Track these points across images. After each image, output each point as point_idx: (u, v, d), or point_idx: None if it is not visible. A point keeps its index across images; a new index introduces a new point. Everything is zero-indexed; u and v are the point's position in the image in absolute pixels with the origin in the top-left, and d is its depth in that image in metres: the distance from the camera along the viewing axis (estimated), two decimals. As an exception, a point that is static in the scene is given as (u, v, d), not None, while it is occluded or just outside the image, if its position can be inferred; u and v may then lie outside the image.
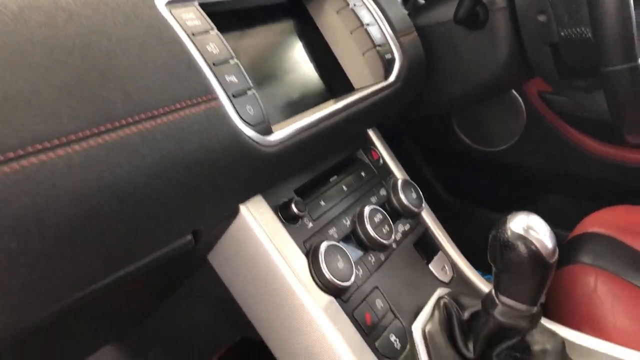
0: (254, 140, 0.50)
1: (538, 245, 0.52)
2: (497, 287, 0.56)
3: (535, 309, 0.56)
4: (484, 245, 0.78)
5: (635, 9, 0.71)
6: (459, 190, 1.57)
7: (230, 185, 0.49)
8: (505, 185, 1.50)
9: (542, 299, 0.58)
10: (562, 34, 0.78)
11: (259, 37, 0.65)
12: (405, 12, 0.83)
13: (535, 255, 0.52)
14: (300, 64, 0.70)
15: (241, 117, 0.49)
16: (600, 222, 1.07)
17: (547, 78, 0.89)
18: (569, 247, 1.03)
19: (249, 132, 0.49)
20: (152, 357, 0.76)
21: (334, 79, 0.72)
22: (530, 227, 0.53)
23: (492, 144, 1.43)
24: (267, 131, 0.52)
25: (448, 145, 1.50)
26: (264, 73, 0.64)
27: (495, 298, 0.56)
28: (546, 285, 0.55)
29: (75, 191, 0.35)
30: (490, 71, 0.88)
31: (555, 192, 1.47)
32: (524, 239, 0.52)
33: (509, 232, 0.53)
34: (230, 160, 0.48)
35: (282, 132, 0.54)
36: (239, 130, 0.48)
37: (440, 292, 0.67)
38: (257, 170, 0.51)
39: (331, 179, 0.69)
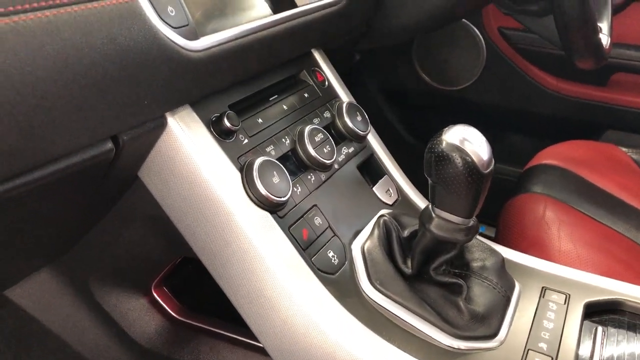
0: (175, 43, 0.47)
1: (473, 156, 0.51)
2: (432, 201, 0.55)
3: (471, 222, 0.55)
4: None
5: None
6: (421, 131, 1.56)
7: (149, 88, 0.47)
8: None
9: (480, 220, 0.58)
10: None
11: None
12: None
13: (470, 167, 0.51)
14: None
15: (160, 17, 0.46)
16: (554, 155, 1.08)
17: (500, 3, 0.87)
18: (523, 178, 1.04)
19: (170, 33, 0.47)
20: (93, 282, 0.75)
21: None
22: (465, 139, 0.52)
23: (453, 82, 1.42)
24: (192, 36, 0.49)
25: (410, 85, 1.48)
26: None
27: (432, 212, 0.55)
28: (481, 197, 0.54)
29: None
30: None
31: (514, 130, 1.47)
32: (459, 150, 0.51)
33: (444, 144, 0.52)
34: (146, 61, 0.45)
35: (209, 38, 0.51)
36: (157, 30, 0.45)
37: (382, 213, 0.66)
38: (179, 75, 0.49)
39: (271, 99, 0.66)
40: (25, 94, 0.36)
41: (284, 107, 0.66)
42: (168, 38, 0.46)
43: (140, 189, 0.58)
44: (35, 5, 0.37)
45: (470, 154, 0.51)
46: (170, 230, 0.58)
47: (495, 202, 0.83)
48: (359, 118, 0.72)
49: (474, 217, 0.56)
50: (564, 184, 0.98)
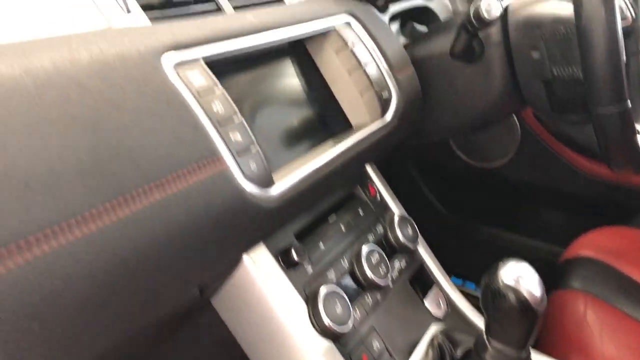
0: (255, 196, 0.52)
1: (527, 295, 0.54)
2: (488, 332, 0.58)
3: (524, 353, 0.58)
4: (480, 258, 0.78)
5: (625, 39, 0.73)
6: (456, 205, 1.59)
7: (234, 240, 0.52)
8: (501, 201, 1.52)
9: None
10: (555, 72, 0.80)
11: (259, 78, 0.67)
12: (402, 46, 0.84)
13: (524, 305, 0.54)
14: (299, 103, 0.72)
15: (245, 175, 0.51)
16: (591, 245, 1.10)
17: (540, 111, 0.91)
18: (560, 271, 1.06)
19: (251, 188, 0.51)
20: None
21: (333, 118, 0.74)
22: (520, 277, 0.55)
23: (488, 160, 1.45)
24: (269, 184, 0.54)
25: (445, 161, 1.52)
26: (264, 115, 0.66)
27: (487, 342, 0.58)
28: (535, 331, 0.57)
29: (91, 270, 0.37)
30: (485, 103, 0.90)
31: (549, 207, 1.50)
32: (514, 289, 0.54)
33: (500, 283, 0.55)
34: (233, 218, 0.50)
35: (282, 184, 0.56)
36: (242, 188, 0.50)
37: (435, 328, 0.70)
38: (259, 223, 0.54)
39: (330, 218, 0.71)
40: (138, 273, 0.41)
41: (342, 227, 0.71)
42: (250, 193, 0.51)
43: (210, 311, 0.62)
44: (146, 187, 0.42)
45: (525, 293, 0.55)
46: (236, 352, 0.62)
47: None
48: (410, 231, 0.76)
49: (527, 348, 0.59)
50: (603, 280, 0.99)
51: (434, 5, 1.14)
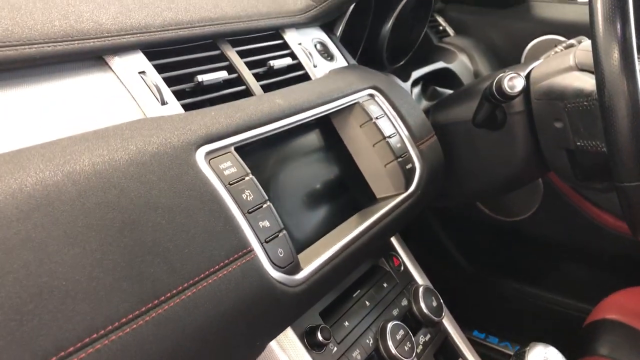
0: (282, 283, 0.53)
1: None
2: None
3: None
4: (503, 313, 0.76)
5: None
6: (479, 258, 1.58)
7: (261, 329, 0.52)
8: (524, 255, 1.51)
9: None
10: (578, 143, 0.80)
11: (285, 153, 0.69)
12: (425, 116, 0.85)
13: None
14: (324, 177, 0.73)
15: (272, 263, 0.52)
16: (617, 307, 1.08)
17: (564, 178, 0.92)
18: (586, 336, 1.04)
19: (278, 275, 0.52)
20: None
21: (357, 190, 0.76)
22: (547, 362, 0.55)
23: (511, 214, 1.45)
24: (295, 270, 0.55)
25: (467, 214, 1.52)
26: (290, 191, 0.67)
27: None
28: None
29: None
30: (508, 170, 0.90)
31: (573, 263, 1.48)
32: (542, 377, 0.54)
33: (528, 368, 0.55)
34: (261, 306, 0.51)
35: (309, 268, 0.57)
36: (269, 277, 0.51)
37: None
38: (286, 309, 0.54)
39: (354, 294, 0.71)
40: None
41: (366, 302, 0.71)
42: (277, 280, 0.52)
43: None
44: (180, 288, 0.44)
45: (553, 380, 0.55)
46: None
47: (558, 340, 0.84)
48: (434, 303, 0.76)
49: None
50: (631, 345, 0.97)
51: (454, 67, 1.16)
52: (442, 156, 0.85)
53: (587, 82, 0.78)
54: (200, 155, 0.52)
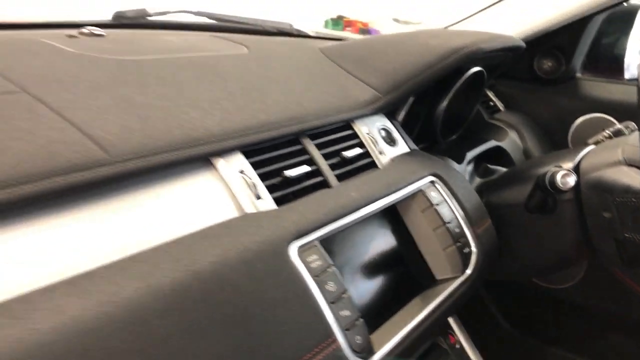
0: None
1: None
2: None
3: None
4: None
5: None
6: (521, 322, 1.61)
7: None
8: (568, 322, 1.53)
9: None
10: (626, 235, 0.86)
11: (353, 240, 0.76)
12: (481, 202, 0.92)
13: None
14: (389, 260, 0.80)
15: (352, 349, 0.59)
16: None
17: (610, 264, 0.96)
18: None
19: (357, 360, 0.59)
20: None
21: (419, 272, 0.82)
22: None
23: (555, 281, 1.48)
24: (370, 354, 0.62)
25: (512, 280, 1.56)
26: (358, 276, 0.74)
27: None
28: None
29: None
30: (557, 252, 0.96)
31: (618, 332, 1.49)
32: None
33: None
34: None
35: (381, 352, 0.64)
36: (351, 363, 0.58)
37: None
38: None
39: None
40: None
41: (427, 379, 0.77)
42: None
43: None
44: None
45: None
46: None
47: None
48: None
49: None
50: None
51: (505, 145, 1.23)
52: (496, 239, 0.91)
53: (635, 179, 0.84)
54: (293, 250, 0.60)
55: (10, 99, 0.57)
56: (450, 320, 0.87)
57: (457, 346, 0.85)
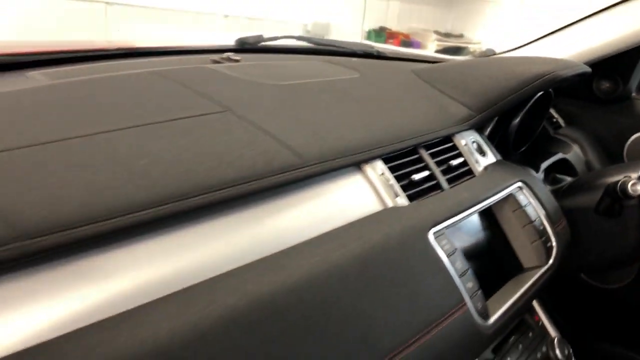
0: (482, 327, 0.77)
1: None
2: None
3: None
4: None
5: None
6: (573, 322, 1.75)
7: None
8: (621, 321, 1.67)
9: None
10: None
11: (464, 231, 0.94)
12: (558, 205, 1.09)
13: None
14: (487, 249, 0.97)
15: (477, 312, 0.77)
16: None
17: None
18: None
19: (480, 321, 0.77)
20: None
21: (509, 260, 1.00)
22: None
23: (608, 281, 1.63)
24: (488, 317, 0.80)
25: (568, 279, 1.71)
26: (467, 258, 0.92)
27: None
28: None
29: None
30: (620, 252, 1.12)
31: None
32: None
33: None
34: (466, 346, 0.75)
35: (495, 316, 0.81)
36: (476, 323, 0.76)
37: None
38: (481, 347, 0.79)
39: (510, 340, 0.95)
40: None
41: (519, 346, 0.94)
42: (480, 325, 0.77)
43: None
44: (423, 332, 0.69)
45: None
46: None
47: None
48: (566, 352, 0.98)
49: None
50: None
51: (570, 157, 1.39)
52: (570, 237, 1.08)
53: None
54: (431, 236, 0.78)
55: (223, 118, 0.77)
56: (536, 304, 1.04)
57: (540, 323, 1.02)
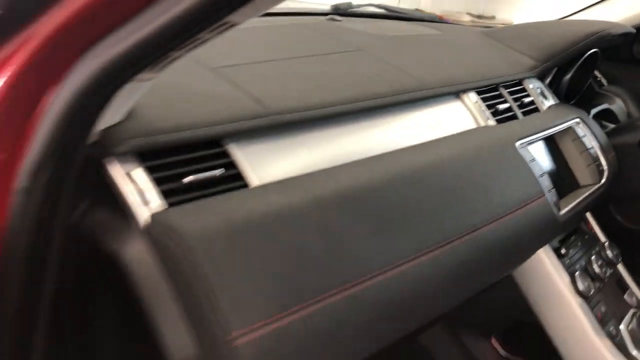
0: (556, 215, 1.02)
1: None
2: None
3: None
4: None
5: None
6: None
7: (536, 246, 1.01)
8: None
9: None
10: None
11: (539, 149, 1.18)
12: (607, 138, 1.33)
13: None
14: (553, 166, 1.21)
15: (553, 204, 1.01)
16: None
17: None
18: None
19: (555, 211, 1.01)
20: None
21: (568, 179, 1.24)
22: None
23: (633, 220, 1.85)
24: (560, 208, 1.04)
25: (603, 225, 1.92)
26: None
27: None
28: None
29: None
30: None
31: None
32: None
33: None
34: (542, 232, 0.99)
35: (565, 209, 1.05)
36: (551, 211, 1.00)
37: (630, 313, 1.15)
38: (554, 233, 1.03)
39: (570, 241, 1.19)
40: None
41: (579, 243, 1.19)
42: (555, 214, 1.01)
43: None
44: (500, 214, 0.94)
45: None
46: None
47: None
48: (615, 252, 1.23)
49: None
50: None
51: (614, 108, 1.62)
52: (617, 164, 1.32)
53: None
54: (517, 144, 1.02)
55: (360, 54, 1.02)
56: (588, 215, 1.28)
57: (592, 231, 1.26)
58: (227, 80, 0.76)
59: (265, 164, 0.71)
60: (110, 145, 0.58)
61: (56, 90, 0.51)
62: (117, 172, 0.59)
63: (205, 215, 0.58)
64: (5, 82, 0.50)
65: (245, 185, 0.67)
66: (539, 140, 1.14)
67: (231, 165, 0.67)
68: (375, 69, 0.97)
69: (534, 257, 1.07)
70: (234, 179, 0.67)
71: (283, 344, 0.54)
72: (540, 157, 1.15)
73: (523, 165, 0.99)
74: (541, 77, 1.39)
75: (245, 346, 0.51)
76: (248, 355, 0.52)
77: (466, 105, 1.08)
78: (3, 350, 0.53)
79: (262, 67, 0.84)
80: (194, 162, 0.64)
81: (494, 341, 1.32)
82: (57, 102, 0.51)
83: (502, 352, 1.31)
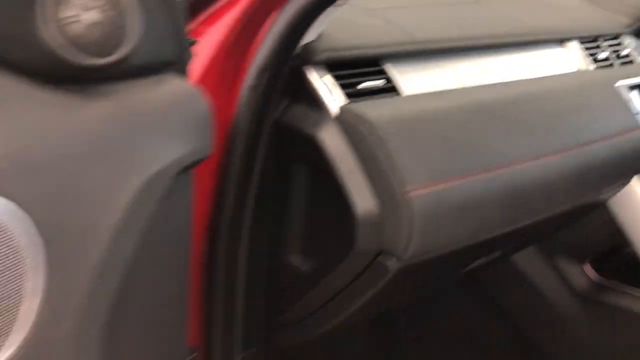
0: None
1: None
2: None
3: None
4: None
5: None
6: None
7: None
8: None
9: None
10: None
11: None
12: None
13: None
14: None
15: None
16: None
17: None
18: None
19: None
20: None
21: None
22: None
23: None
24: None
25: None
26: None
27: None
28: None
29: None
30: None
31: None
32: None
33: None
34: (634, 158, 1.12)
35: None
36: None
37: None
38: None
39: None
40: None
41: None
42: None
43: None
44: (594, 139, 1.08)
45: None
46: None
47: None
48: None
49: None
50: None
51: None
52: None
53: None
54: (617, 85, 1.15)
55: (476, 5, 1.18)
56: None
57: None
58: (381, 17, 0.95)
59: (412, 81, 0.89)
60: (309, 57, 0.78)
61: (277, 14, 0.72)
62: (314, 76, 0.79)
63: (380, 107, 0.77)
64: (241, 7, 0.71)
65: (399, 95, 0.86)
66: (636, 87, 1.26)
67: (388, 80, 0.86)
68: (494, 16, 1.13)
69: (629, 187, 1.19)
70: (391, 90, 0.86)
71: (442, 202, 0.73)
72: (636, 101, 1.27)
73: (622, 102, 1.12)
74: (637, 34, 1.50)
75: (416, 197, 0.70)
76: (417, 205, 0.70)
77: (570, 51, 1.22)
78: (223, 223, 0.74)
79: (406, 9, 1.03)
80: (360, 75, 0.84)
81: (587, 267, 1.44)
82: (279, 22, 0.71)
83: (594, 277, 1.42)
